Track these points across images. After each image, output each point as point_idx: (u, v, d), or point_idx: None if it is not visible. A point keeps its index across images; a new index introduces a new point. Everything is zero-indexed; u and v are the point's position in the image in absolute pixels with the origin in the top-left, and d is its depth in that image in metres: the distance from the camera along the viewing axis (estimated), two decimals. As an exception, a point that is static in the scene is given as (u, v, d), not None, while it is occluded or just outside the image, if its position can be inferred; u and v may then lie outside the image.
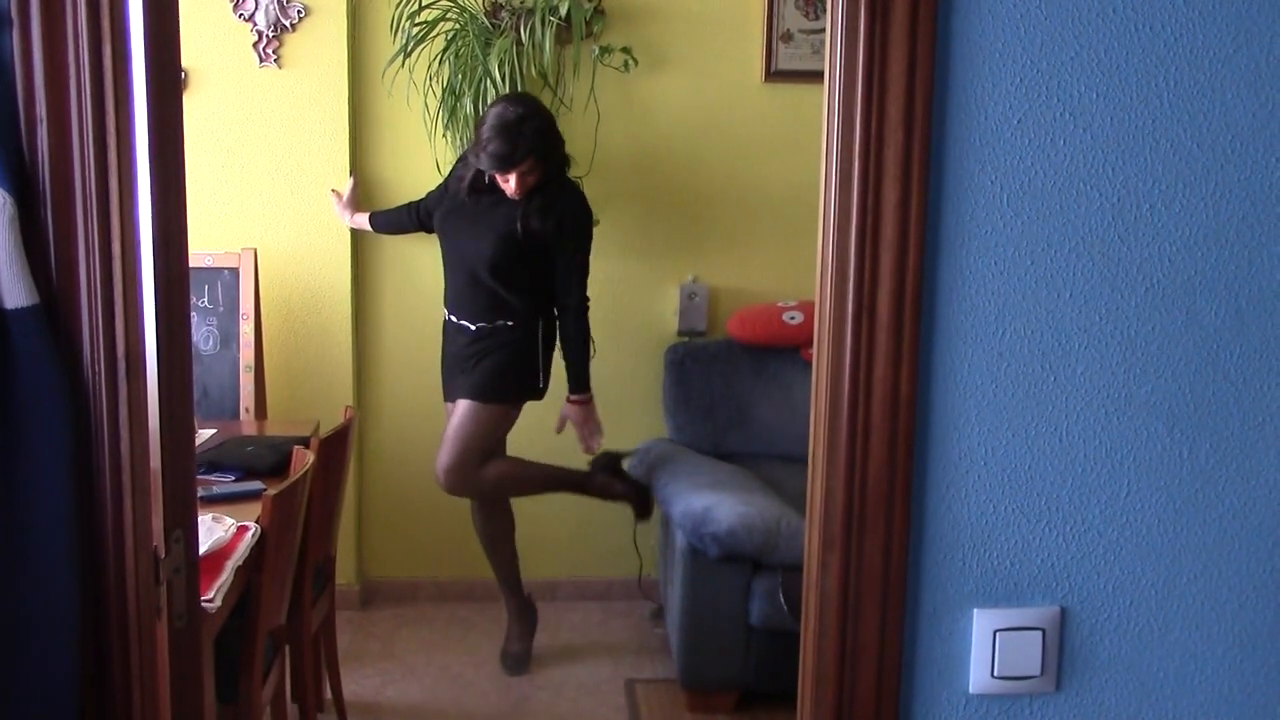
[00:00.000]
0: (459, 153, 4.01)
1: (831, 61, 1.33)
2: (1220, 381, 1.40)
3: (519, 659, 3.92)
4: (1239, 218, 1.38)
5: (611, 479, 4.00)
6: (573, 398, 3.81)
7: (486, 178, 3.69)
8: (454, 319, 3.85)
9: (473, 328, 3.79)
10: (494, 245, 3.70)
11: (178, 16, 1.42)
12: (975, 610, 1.42)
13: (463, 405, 3.81)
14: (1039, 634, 1.43)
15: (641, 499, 3.99)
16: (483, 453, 3.80)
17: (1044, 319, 1.38)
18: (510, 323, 3.78)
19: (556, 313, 3.80)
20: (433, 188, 3.97)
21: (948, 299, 1.36)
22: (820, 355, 1.39)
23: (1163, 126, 1.35)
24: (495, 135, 3.55)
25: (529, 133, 3.55)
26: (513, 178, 3.61)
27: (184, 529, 1.47)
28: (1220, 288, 1.39)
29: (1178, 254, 1.38)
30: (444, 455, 3.80)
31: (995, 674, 1.43)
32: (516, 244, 3.69)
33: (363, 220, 4.11)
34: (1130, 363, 1.39)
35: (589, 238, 3.77)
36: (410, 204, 4.06)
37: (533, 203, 3.68)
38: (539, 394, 3.87)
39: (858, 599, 1.39)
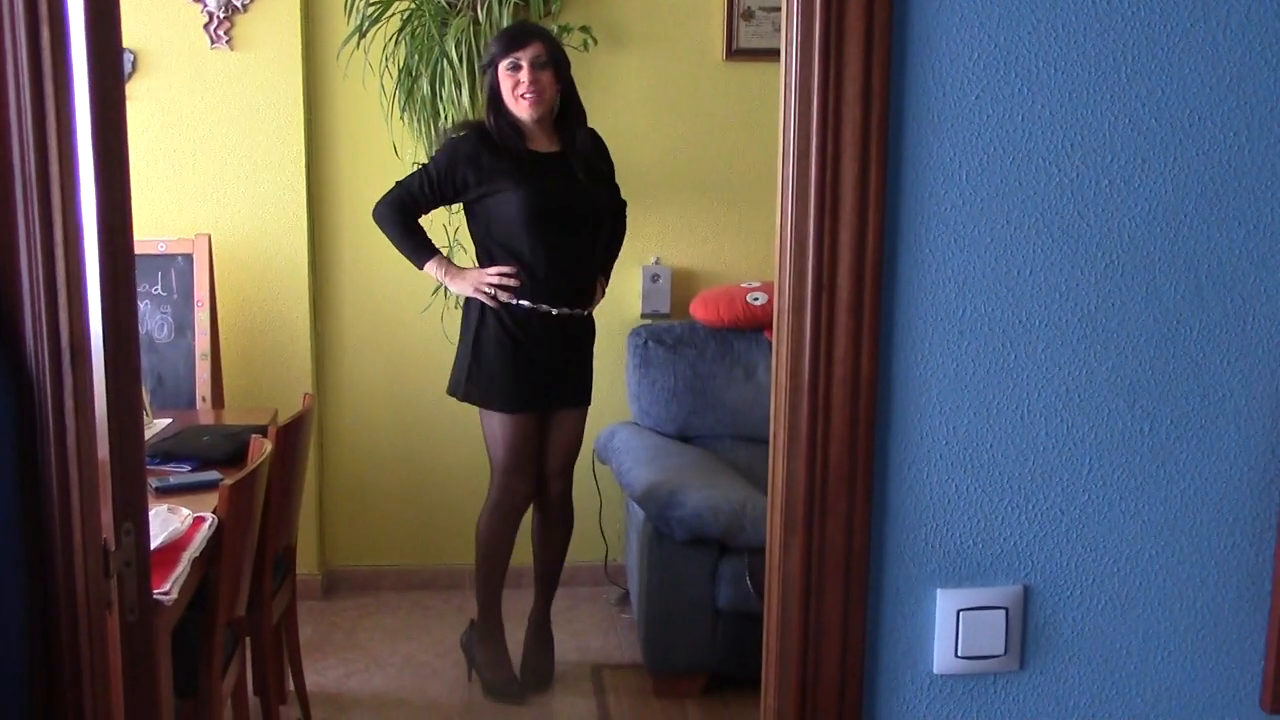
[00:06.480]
0: (416, 134, 3.95)
1: (788, 37, 1.31)
2: (1180, 357, 1.40)
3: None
4: (1197, 193, 1.37)
5: (469, 652, 3.70)
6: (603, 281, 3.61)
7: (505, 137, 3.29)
8: (562, 309, 3.38)
9: (585, 313, 3.47)
10: (594, 193, 3.39)
11: (118, -4, 1.38)
12: (938, 590, 1.41)
13: (575, 416, 3.59)
14: (1002, 613, 1.42)
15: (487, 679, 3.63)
16: None
17: (1004, 296, 1.37)
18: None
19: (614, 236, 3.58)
20: (408, 173, 3.48)
21: (908, 276, 1.35)
22: (780, 334, 1.37)
23: (1121, 101, 1.34)
24: (507, 28, 3.46)
25: (545, 31, 3.41)
26: (525, 72, 3.24)
27: (134, 521, 1.44)
28: (1179, 263, 1.38)
29: (1137, 230, 1.37)
30: (561, 476, 3.62)
31: (959, 654, 1.42)
32: (604, 185, 3.48)
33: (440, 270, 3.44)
34: (1090, 339, 1.38)
35: None
36: (407, 212, 3.37)
37: (579, 135, 3.40)
38: None
39: (820, 581, 1.38)
